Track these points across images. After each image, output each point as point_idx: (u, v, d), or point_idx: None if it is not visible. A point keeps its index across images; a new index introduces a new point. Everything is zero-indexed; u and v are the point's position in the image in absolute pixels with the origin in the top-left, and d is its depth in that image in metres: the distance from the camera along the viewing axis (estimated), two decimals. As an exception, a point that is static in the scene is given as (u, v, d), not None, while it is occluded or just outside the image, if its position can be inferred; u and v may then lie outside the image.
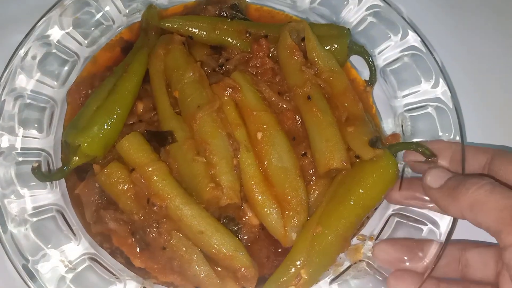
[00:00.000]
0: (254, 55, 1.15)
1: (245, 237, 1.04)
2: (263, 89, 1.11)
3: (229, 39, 1.17)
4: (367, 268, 0.99)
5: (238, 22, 1.19)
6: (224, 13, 1.22)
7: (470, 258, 0.99)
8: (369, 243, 1.03)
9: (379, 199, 1.02)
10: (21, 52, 1.08)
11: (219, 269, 0.98)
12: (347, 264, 1.01)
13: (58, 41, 1.14)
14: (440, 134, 1.08)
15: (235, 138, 1.04)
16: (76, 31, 1.17)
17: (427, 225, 1.01)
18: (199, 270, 0.97)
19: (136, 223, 1.00)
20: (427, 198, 0.97)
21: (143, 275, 1.02)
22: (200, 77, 1.08)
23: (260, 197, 1.02)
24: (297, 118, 1.09)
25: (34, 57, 1.10)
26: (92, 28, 1.20)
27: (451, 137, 1.07)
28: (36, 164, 1.01)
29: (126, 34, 1.24)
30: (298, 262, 0.96)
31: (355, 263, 1.00)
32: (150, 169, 0.98)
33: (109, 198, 1.02)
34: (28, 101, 1.08)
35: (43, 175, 1.01)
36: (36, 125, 1.09)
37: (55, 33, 1.13)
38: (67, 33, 1.15)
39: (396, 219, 1.04)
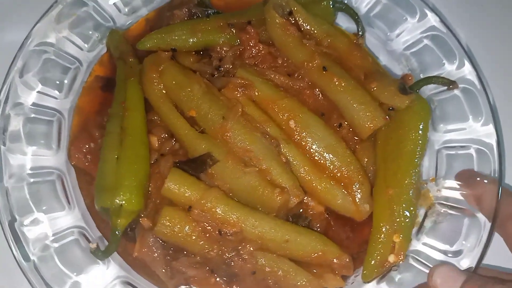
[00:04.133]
0: (246, 46, 1.08)
1: (318, 228, 1.00)
2: (272, 76, 1.05)
3: (213, 38, 1.08)
4: (443, 210, 0.99)
5: (215, 17, 1.10)
6: (195, 13, 1.12)
7: None
8: (432, 184, 1.03)
9: (427, 136, 1.02)
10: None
11: (314, 270, 0.94)
12: (422, 212, 1.01)
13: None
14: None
15: (270, 135, 0.98)
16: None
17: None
18: (297, 278, 0.92)
19: (214, 260, 0.92)
20: None
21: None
22: (207, 87, 1.00)
23: (318, 184, 0.98)
24: (317, 93, 1.05)
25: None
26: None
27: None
28: (94, 246, 0.90)
29: (100, 70, 1.11)
30: (385, 230, 0.95)
31: (429, 208, 1.01)
32: (207, 201, 0.90)
33: (174, 246, 0.93)
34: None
35: (103, 252, 0.90)
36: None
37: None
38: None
39: (445, 152, 1.05)
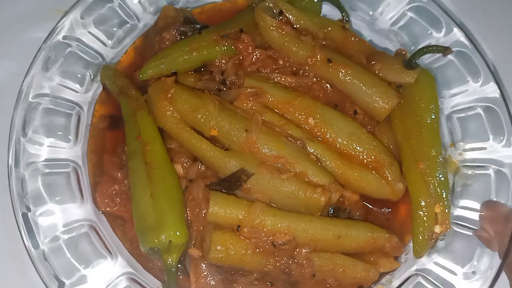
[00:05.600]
0: (244, 54, 1.07)
1: (358, 216, 1.01)
2: (279, 78, 1.05)
3: (211, 53, 1.06)
4: (470, 171, 1.03)
5: (207, 32, 1.08)
6: (185, 31, 1.09)
7: None
8: (452, 149, 1.07)
9: (438, 104, 1.05)
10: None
11: (372, 258, 0.95)
12: (450, 177, 1.04)
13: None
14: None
15: (294, 137, 0.98)
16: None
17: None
18: (356, 270, 0.93)
19: (272, 273, 0.92)
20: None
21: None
22: (221, 103, 0.98)
23: (350, 174, 0.99)
24: (325, 85, 1.06)
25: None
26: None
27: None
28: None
29: (102, 109, 1.07)
30: (424, 203, 0.97)
31: (456, 172, 1.04)
32: (255, 216, 0.89)
33: (230, 269, 0.92)
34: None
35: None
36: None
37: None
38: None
39: (455, 116, 1.09)
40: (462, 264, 0.95)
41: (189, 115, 0.97)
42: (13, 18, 1.20)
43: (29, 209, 0.93)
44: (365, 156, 1.00)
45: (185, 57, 1.04)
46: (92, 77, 1.07)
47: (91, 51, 1.08)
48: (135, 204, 0.92)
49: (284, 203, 0.94)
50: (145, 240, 0.88)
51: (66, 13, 1.05)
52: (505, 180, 1.00)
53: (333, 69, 1.03)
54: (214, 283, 0.90)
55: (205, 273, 0.90)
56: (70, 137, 1.02)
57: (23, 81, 0.98)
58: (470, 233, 0.97)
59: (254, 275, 0.92)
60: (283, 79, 1.04)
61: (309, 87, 1.05)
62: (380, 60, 1.06)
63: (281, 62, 1.07)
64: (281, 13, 1.07)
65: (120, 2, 1.12)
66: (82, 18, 1.07)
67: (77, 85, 1.05)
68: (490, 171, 1.02)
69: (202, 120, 0.96)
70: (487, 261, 0.93)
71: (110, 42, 1.10)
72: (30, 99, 0.98)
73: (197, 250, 0.91)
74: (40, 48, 1.01)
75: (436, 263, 0.96)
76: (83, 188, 1.00)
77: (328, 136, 1.00)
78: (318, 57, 1.03)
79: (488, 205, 1.00)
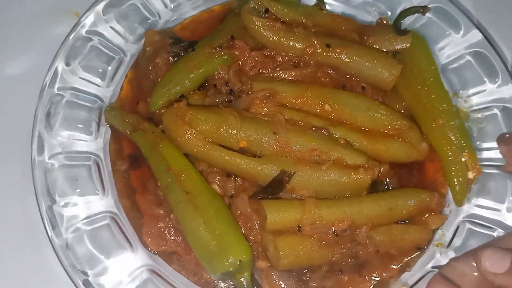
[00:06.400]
0: (242, 59, 1.06)
1: (394, 185, 1.05)
2: (283, 75, 1.05)
3: (211, 67, 1.05)
4: (479, 114, 1.09)
5: (200, 48, 1.06)
6: (177, 52, 1.07)
7: None
8: (456, 99, 1.12)
9: (433, 58, 1.10)
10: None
11: (423, 218, 0.99)
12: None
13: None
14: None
15: (318, 127, 0.99)
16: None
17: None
18: (412, 234, 0.97)
19: (340, 261, 0.94)
20: None
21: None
22: (239, 113, 0.98)
23: (377, 146, 1.02)
24: (327, 70, 1.08)
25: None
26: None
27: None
28: None
29: (123, 150, 1.03)
30: (452, 154, 1.02)
31: (467, 119, 1.10)
32: (311, 212, 0.90)
33: (300, 269, 0.94)
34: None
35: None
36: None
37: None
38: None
39: (449, 67, 1.14)
40: (502, 200, 1.01)
41: (214, 133, 0.96)
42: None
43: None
44: (386, 126, 1.03)
45: (188, 78, 1.02)
46: (98, 122, 1.03)
47: (88, 96, 1.04)
48: (191, 236, 0.90)
49: (330, 192, 0.95)
50: (214, 267, 0.87)
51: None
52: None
53: (333, 52, 1.05)
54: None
55: (279, 281, 0.91)
56: (97, 190, 0.99)
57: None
58: (498, 171, 1.03)
59: (324, 268, 0.93)
60: (287, 75, 1.05)
61: (314, 76, 1.07)
62: (371, 33, 1.09)
63: (280, 58, 1.07)
64: (267, 11, 1.07)
65: (100, 38, 1.07)
66: (67, 65, 1.02)
67: (85, 135, 1.01)
68: (496, 110, 1.09)
69: (228, 134, 0.95)
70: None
71: (103, 82, 1.06)
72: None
73: (263, 262, 0.91)
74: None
75: (478, 206, 1.02)
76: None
77: (348, 117, 1.02)
78: (316, 44, 1.04)
79: (503, 139, 1.06)
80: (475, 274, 0.87)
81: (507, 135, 1.06)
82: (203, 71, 1.04)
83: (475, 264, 0.87)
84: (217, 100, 1.04)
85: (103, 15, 1.07)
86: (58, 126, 0.99)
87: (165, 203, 0.95)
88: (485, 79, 1.11)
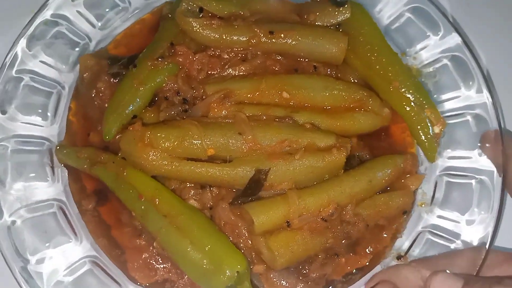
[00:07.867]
0: (187, 65, 1.02)
1: (367, 155, 1.05)
2: (234, 72, 1.02)
3: (157, 80, 1.00)
4: (430, 68, 1.10)
5: (141, 62, 1.01)
6: (118, 72, 1.01)
7: None
8: (406, 58, 1.13)
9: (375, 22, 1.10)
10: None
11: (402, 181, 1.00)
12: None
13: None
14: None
15: (280, 117, 0.97)
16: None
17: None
18: (395, 201, 0.98)
19: (334, 244, 0.93)
20: None
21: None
22: (199, 122, 0.94)
23: (342, 122, 1.01)
24: (276, 57, 1.05)
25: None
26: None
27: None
28: None
29: (86, 188, 0.98)
30: (414, 113, 1.03)
31: (419, 75, 1.11)
32: (296, 205, 0.88)
33: (298, 263, 0.92)
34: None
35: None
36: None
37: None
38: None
39: (392, 27, 1.15)
40: (472, 147, 1.02)
41: (178, 148, 0.91)
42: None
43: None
44: (346, 101, 1.02)
45: (137, 96, 0.97)
46: (51, 164, 0.96)
47: (33, 140, 0.97)
48: (180, 260, 0.86)
49: (309, 179, 0.94)
50: (212, 286, 0.83)
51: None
52: (463, 64, 1.08)
53: (277, 38, 1.02)
54: (291, 285, 0.89)
55: (280, 281, 0.89)
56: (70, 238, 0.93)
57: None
58: (462, 119, 1.05)
59: (320, 256, 0.92)
60: (238, 71, 1.02)
61: (264, 66, 1.04)
62: (310, 11, 1.07)
63: (226, 56, 1.04)
64: (201, 10, 1.03)
65: (31, 75, 1.00)
66: (3, 113, 0.95)
67: (42, 182, 0.94)
68: (446, 61, 1.10)
69: (193, 146, 0.91)
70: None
71: (45, 121, 0.99)
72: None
73: (260, 266, 0.89)
74: None
75: (451, 157, 1.03)
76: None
77: (307, 99, 1.00)
78: (260, 34, 1.01)
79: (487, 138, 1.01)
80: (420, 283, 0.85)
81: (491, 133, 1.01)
82: (150, 86, 0.99)
83: (422, 274, 0.86)
84: (172, 113, 0.99)
85: (29, 51, 0.99)
86: (10, 180, 0.92)
87: (145, 232, 0.91)
88: (428, 33, 1.12)
